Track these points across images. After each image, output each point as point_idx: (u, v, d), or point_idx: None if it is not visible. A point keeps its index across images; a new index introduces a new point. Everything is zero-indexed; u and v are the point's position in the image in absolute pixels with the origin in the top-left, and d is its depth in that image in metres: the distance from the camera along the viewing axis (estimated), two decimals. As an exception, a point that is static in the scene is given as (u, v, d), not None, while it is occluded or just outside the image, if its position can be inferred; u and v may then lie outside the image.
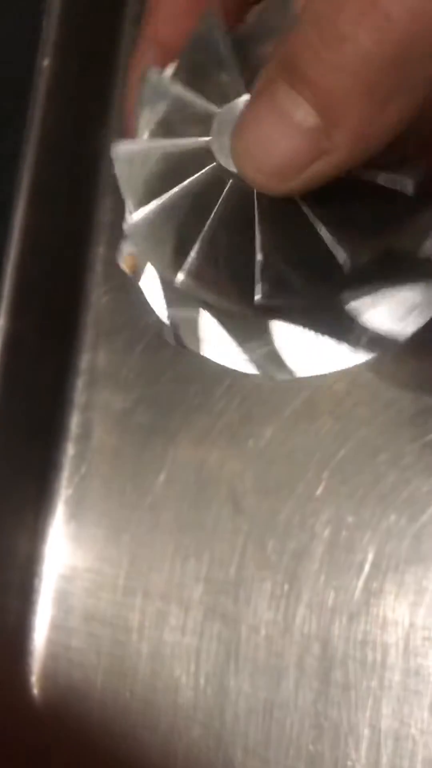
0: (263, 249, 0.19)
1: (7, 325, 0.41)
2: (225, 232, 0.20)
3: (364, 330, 0.22)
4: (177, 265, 0.20)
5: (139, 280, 0.24)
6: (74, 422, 0.43)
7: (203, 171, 0.20)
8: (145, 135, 0.21)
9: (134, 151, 0.21)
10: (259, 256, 0.19)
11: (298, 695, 0.36)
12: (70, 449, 0.43)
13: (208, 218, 0.20)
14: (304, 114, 0.17)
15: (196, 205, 0.20)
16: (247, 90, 0.20)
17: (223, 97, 0.20)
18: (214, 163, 0.20)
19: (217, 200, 0.20)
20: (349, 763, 0.35)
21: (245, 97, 0.20)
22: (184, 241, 0.20)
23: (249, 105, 0.18)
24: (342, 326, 0.22)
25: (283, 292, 0.19)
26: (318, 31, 0.16)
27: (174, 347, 0.24)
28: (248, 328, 0.22)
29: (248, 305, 0.20)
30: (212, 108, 0.20)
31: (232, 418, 0.39)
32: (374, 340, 0.22)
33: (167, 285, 0.23)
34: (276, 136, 0.17)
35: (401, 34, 0.15)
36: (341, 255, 0.19)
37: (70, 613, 0.41)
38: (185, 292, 0.21)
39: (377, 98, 0.16)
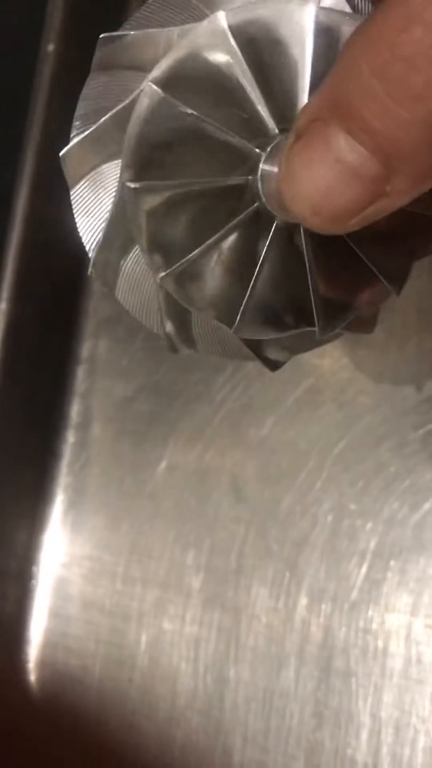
0: (315, 288, 0.20)
1: (9, 313, 0.41)
2: (272, 273, 0.20)
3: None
4: (229, 316, 0.20)
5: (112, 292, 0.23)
6: (74, 410, 0.43)
7: (242, 217, 0.19)
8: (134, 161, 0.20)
9: (156, 197, 0.20)
10: (313, 297, 0.20)
11: (299, 684, 0.36)
12: (70, 437, 0.42)
13: (256, 261, 0.20)
14: (362, 160, 0.17)
15: (240, 248, 0.20)
16: (278, 126, 0.19)
17: (243, 127, 0.19)
18: (255, 205, 0.19)
19: (265, 240, 0.19)
20: (350, 751, 0.35)
21: (282, 139, 0.19)
22: (227, 289, 0.20)
23: (296, 149, 0.18)
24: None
25: (334, 326, 0.20)
26: (386, 86, 0.16)
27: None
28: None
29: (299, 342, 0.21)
30: (231, 140, 0.19)
31: (233, 406, 0.39)
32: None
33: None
34: (335, 183, 0.17)
35: None
36: (391, 288, 0.20)
37: (68, 601, 0.41)
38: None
39: None
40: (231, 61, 0.19)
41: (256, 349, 0.23)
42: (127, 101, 0.20)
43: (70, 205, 0.44)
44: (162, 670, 0.39)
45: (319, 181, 0.17)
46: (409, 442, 0.35)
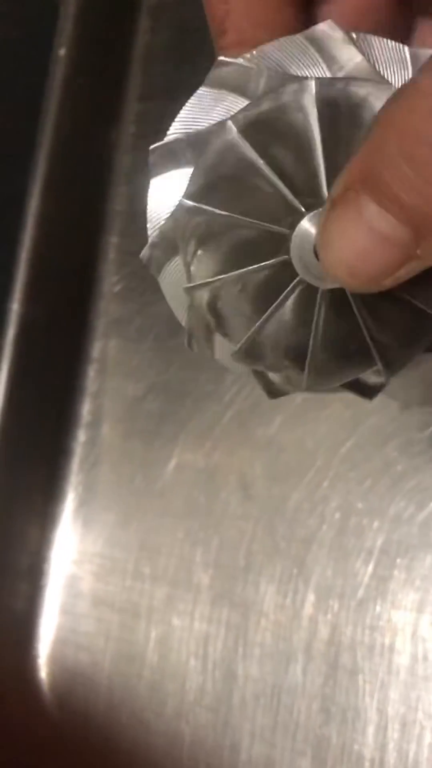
0: (314, 346, 0.21)
1: (21, 313, 0.41)
2: (279, 323, 0.22)
3: None
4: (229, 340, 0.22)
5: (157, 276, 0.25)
6: (85, 409, 0.43)
7: (273, 261, 0.21)
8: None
9: (206, 212, 0.21)
10: (311, 353, 0.21)
11: (306, 680, 0.36)
12: (81, 436, 0.43)
13: (266, 306, 0.21)
14: (393, 228, 0.18)
15: (256, 289, 0.21)
16: (299, 200, 0.21)
17: (269, 213, 0.21)
18: (285, 258, 0.21)
19: (280, 291, 0.21)
20: (357, 747, 0.35)
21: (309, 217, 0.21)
22: (241, 317, 0.22)
23: (332, 217, 0.19)
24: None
25: (320, 382, 0.22)
26: (413, 167, 0.18)
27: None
28: None
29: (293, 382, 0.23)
30: (289, 198, 0.21)
31: (242, 405, 0.39)
32: None
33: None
34: (369, 247, 0.19)
35: None
36: (379, 364, 0.22)
37: (79, 598, 0.42)
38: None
39: None
40: (310, 127, 0.21)
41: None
42: (205, 129, 0.22)
43: (81, 207, 0.44)
44: (171, 667, 0.39)
45: (355, 246, 0.19)
46: (415, 442, 0.36)
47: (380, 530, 0.36)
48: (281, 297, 0.21)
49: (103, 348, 0.43)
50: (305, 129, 0.21)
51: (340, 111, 0.21)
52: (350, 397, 0.37)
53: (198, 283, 0.22)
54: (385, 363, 0.22)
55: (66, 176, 0.43)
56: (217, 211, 0.21)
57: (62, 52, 0.41)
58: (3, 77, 0.42)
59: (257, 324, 0.21)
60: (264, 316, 0.21)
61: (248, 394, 0.39)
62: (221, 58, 0.22)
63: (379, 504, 0.36)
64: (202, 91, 0.23)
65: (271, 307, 0.21)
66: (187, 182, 0.22)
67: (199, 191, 0.22)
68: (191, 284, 0.22)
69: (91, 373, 0.43)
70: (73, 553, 0.42)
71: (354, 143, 0.20)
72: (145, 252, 0.24)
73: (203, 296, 0.22)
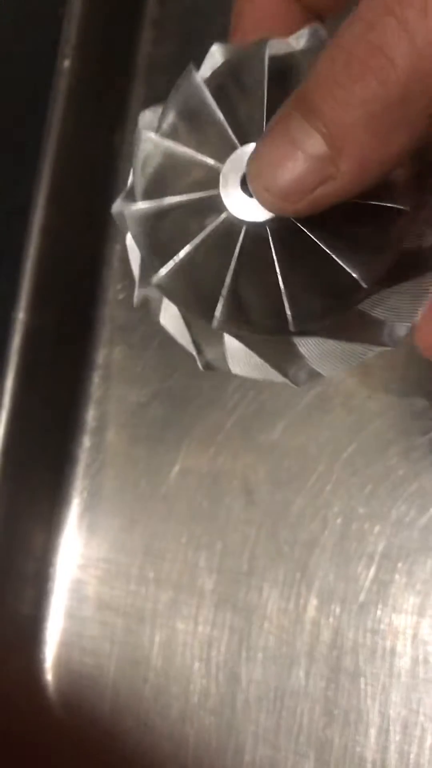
0: (286, 284, 0.21)
1: (27, 321, 0.42)
2: (246, 275, 0.22)
3: (382, 327, 0.23)
4: (208, 312, 0.22)
5: (157, 319, 0.26)
6: (90, 415, 0.44)
7: (217, 222, 0.22)
8: (140, 191, 0.23)
9: (145, 210, 0.23)
10: (283, 290, 0.21)
11: (309, 683, 0.37)
12: (86, 442, 0.44)
13: (228, 265, 0.22)
14: (313, 143, 0.19)
15: (214, 254, 0.22)
16: (240, 142, 0.22)
17: (216, 150, 0.22)
18: (225, 214, 0.22)
19: (235, 247, 0.22)
20: (359, 749, 0.35)
21: (243, 148, 0.22)
22: (209, 288, 0.22)
23: (265, 134, 0.20)
24: (364, 331, 0.23)
25: (308, 318, 0.22)
26: (333, 73, 0.19)
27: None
28: (279, 351, 0.24)
29: (281, 332, 0.22)
30: (207, 161, 0.22)
31: (245, 411, 0.40)
32: (392, 335, 0.23)
33: (192, 323, 0.25)
34: (286, 161, 0.19)
35: (402, 76, 0.18)
36: (356, 276, 0.21)
37: (84, 602, 0.42)
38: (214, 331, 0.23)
39: (381, 131, 0.19)
40: (204, 105, 0.22)
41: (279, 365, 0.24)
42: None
43: (85, 216, 0.45)
44: (175, 670, 0.39)
45: (274, 160, 0.19)
46: (416, 447, 0.36)
47: (382, 535, 0.36)
48: (206, 230, 0.22)
49: (108, 355, 0.44)
50: (258, 84, 0.22)
51: (288, 70, 0.22)
52: (352, 403, 0.38)
53: (162, 273, 0.22)
54: (356, 268, 0.21)
55: (70, 186, 0.43)
56: (156, 202, 0.22)
57: (66, 63, 0.42)
58: (7, 89, 0.43)
59: (225, 286, 0.22)
60: (189, 246, 0.22)
61: (251, 400, 0.40)
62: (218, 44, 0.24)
63: (380, 509, 0.36)
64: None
65: (197, 238, 0.22)
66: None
67: (143, 197, 0.23)
68: (157, 277, 0.22)
69: (96, 379, 0.44)
70: (79, 558, 0.43)
71: (246, 98, 0.22)
72: (137, 299, 0.25)
73: (168, 281, 0.22)
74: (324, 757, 0.36)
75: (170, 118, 0.23)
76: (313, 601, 0.37)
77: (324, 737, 0.36)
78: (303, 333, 0.22)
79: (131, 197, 0.23)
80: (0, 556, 0.42)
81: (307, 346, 0.24)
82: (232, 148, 0.22)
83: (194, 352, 0.25)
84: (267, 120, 0.21)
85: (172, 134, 0.22)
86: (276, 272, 0.21)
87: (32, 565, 0.43)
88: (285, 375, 0.25)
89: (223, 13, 0.44)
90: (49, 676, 0.42)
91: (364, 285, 0.21)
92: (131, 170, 0.24)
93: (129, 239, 0.25)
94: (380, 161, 0.19)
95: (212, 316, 0.22)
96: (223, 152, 0.22)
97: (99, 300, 0.44)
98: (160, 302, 0.26)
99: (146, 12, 0.45)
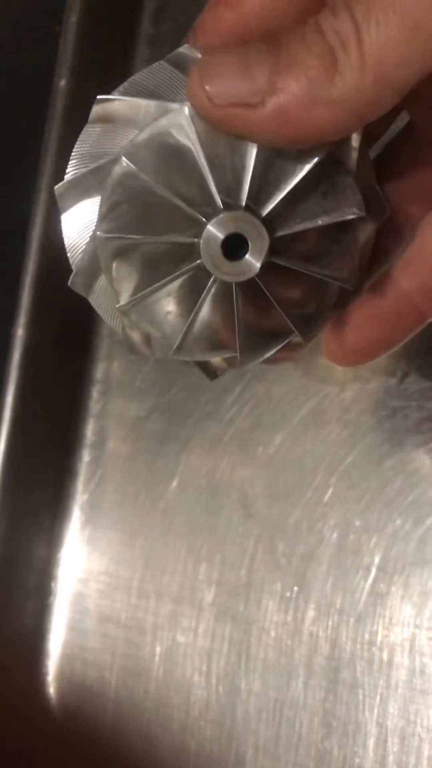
0: (240, 329, 0.24)
1: (26, 336, 0.42)
2: (205, 318, 0.24)
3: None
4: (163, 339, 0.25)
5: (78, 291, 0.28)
6: (90, 429, 0.44)
7: (190, 267, 0.24)
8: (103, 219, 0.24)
9: (119, 243, 0.24)
10: (238, 337, 0.24)
11: (308, 694, 0.37)
12: (85, 456, 0.44)
13: (192, 307, 0.24)
14: (260, 70, 0.21)
15: (179, 293, 0.24)
16: (197, 210, 0.23)
17: (193, 197, 0.23)
18: (198, 262, 0.23)
19: (200, 292, 0.24)
20: (357, 760, 0.36)
21: (228, 212, 0.23)
22: (170, 321, 0.25)
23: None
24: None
25: (251, 358, 0.25)
26: (300, 35, 0.21)
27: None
28: None
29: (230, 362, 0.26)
30: (189, 212, 0.23)
31: (242, 425, 0.40)
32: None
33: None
34: (232, 69, 0.21)
35: (353, 70, 0.20)
36: (298, 335, 0.25)
37: (85, 615, 0.42)
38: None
39: (306, 102, 0.21)
40: (190, 145, 0.23)
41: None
42: (104, 161, 0.24)
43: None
44: (176, 682, 0.40)
45: (223, 61, 0.21)
46: (411, 460, 0.36)
47: (378, 547, 0.37)
48: (202, 296, 0.24)
49: (107, 370, 0.44)
50: (188, 147, 0.23)
51: (213, 130, 0.23)
52: (348, 417, 0.38)
53: (127, 301, 0.24)
54: (301, 330, 0.24)
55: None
56: (128, 236, 0.23)
57: (62, 83, 0.42)
58: (4, 108, 0.43)
59: (186, 325, 0.24)
60: (191, 317, 0.24)
61: (248, 414, 0.40)
62: (99, 96, 0.25)
63: (376, 521, 0.37)
64: (89, 128, 0.25)
65: (196, 307, 0.24)
66: (97, 214, 0.25)
67: (108, 221, 0.24)
68: (121, 304, 0.24)
69: (95, 394, 0.44)
70: (80, 572, 0.43)
71: (233, 153, 0.23)
72: (72, 280, 0.26)
73: (134, 310, 0.24)
74: (323, 767, 0.36)
75: (148, 140, 0.23)
76: (311, 613, 0.37)
77: (323, 748, 0.36)
78: (243, 366, 0.26)
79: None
80: (2, 569, 0.42)
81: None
82: (212, 203, 0.23)
83: (120, 332, 0.27)
84: (216, 187, 0.23)
85: (147, 159, 0.23)
86: (233, 319, 0.24)
87: (34, 578, 0.43)
88: (204, 369, 0.28)
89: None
90: (51, 688, 0.43)
91: (303, 340, 0.25)
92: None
93: (68, 218, 0.26)
94: (295, 127, 0.21)
95: (172, 345, 0.25)
96: (198, 200, 0.23)
97: (97, 315, 0.45)
98: (92, 283, 0.27)
99: (141, 30, 0.45)
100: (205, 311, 0.24)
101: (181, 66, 0.24)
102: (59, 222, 0.26)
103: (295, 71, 0.20)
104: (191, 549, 0.40)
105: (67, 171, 0.26)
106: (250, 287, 0.23)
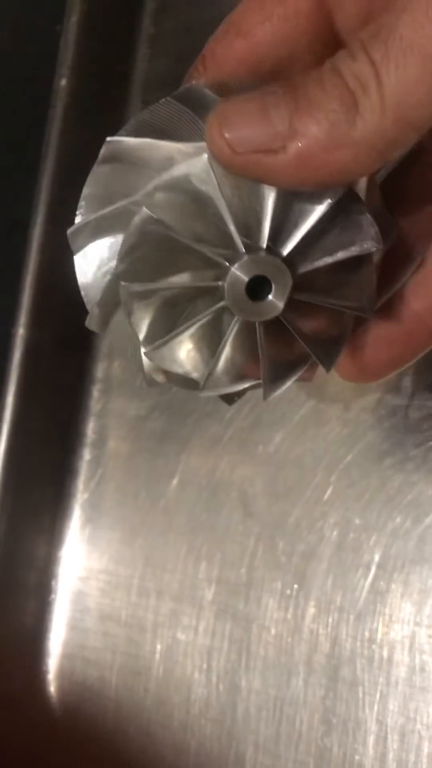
0: (264, 365, 0.24)
1: (26, 338, 0.42)
2: (229, 356, 0.25)
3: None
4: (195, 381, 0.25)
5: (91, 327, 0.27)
6: (90, 428, 0.44)
7: (215, 309, 0.24)
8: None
9: (143, 289, 0.24)
10: (262, 372, 0.24)
11: (308, 692, 0.37)
12: (86, 454, 0.44)
13: (216, 347, 0.24)
14: (280, 114, 0.21)
15: (203, 334, 0.25)
16: (219, 254, 0.23)
17: (216, 238, 0.23)
18: (221, 304, 0.24)
19: (224, 332, 0.24)
20: (357, 757, 0.36)
21: (250, 255, 0.23)
22: (195, 360, 0.25)
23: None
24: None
25: (276, 389, 0.26)
26: (322, 83, 0.21)
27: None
28: None
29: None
30: (213, 257, 0.23)
31: (242, 424, 0.40)
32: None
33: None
34: (251, 115, 0.21)
35: (370, 114, 0.20)
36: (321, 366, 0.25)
37: (86, 614, 0.43)
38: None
39: (330, 147, 0.21)
40: (210, 191, 0.23)
41: None
42: (119, 205, 0.24)
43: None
44: (176, 680, 0.40)
45: (242, 108, 0.22)
46: (411, 458, 0.37)
47: (378, 545, 0.37)
48: (226, 335, 0.24)
49: (107, 369, 0.44)
50: (207, 194, 0.23)
51: (233, 177, 0.23)
52: (347, 415, 0.38)
53: (151, 346, 0.24)
54: (322, 360, 0.25)
55: (69, 202, 0.43)
56: (150, 283, 0.24)
57: (62, 82, 0.42)
58: (5, 108, 0.43)
59: (211, 365, 0.25)
60: (216, 356, 0.24)
61: (248, 413, 0.40)
62: (109, 138, 0.25)
63: (376, 519, 0.37)
64: (98, 169, 0.25)
65: (220, 346, 0.24)
66: (116, 261, 0.25)
67: (127, 264, 0.24)
68: (145, 350, 0.25)
69: (96, 393, 0.45)
70: (80, 570, 0.43)
71: (253, 196, 0.23)
72: (88, 319, 0.26)
73: (157, 353, 0.25)
74: (323, 765, 0.36)
75: (170, 184, 0.24)
76: (311, 611, 0.37)
77: (323, 745, 0.36)
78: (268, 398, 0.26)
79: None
80: (2, 568, 0.42)
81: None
82: (234, 247, 0.23)
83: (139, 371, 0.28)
84: (237, 231, 0.23)
85: (169, 205, 0.24)
86: (257, 355, 0.24)
87: (34, 577, 0.43)
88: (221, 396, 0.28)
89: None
90: (51, 687, 0.43)
91: (326, 370, 0.25)
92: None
93: (81, 259, 0.27)
94: (317, 170, 0.21)
95: (197, 385, 0.25)
96: (220, 243, 0.23)
97: (98, 314, 0.45)
98: (108, 316, 0.27)
99: (141, 29, 0.45)
100: (228, 349, 0.24)
101: (189, 102, 0.24)
102: (71, 262, 0.27)
103: (316, 114, 0.20)
104: (191, 547, 0.40)
105: (77, 212, 0.26)
106: (273, 323, 0.24)
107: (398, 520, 0.36)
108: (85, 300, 0.26)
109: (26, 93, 0.44)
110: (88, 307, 0.26)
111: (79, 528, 0.43)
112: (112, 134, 0.46)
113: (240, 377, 0.25)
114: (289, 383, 0.26)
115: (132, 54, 0.45)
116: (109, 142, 0.25)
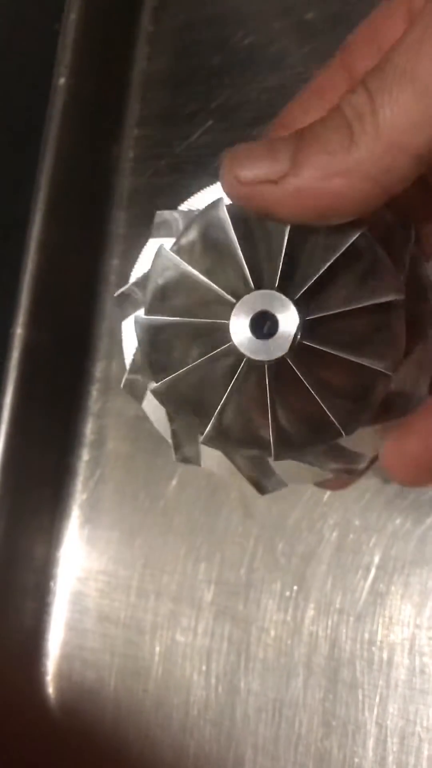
0: (273, 417, 0.23)
1: (25, 336, 0.42)
2: (237, 401, 0.23)
3: (351, 456, 0.26)
4: (196, 421, 0.24)
5: (141, 403, 0.27)
6: (89, 429, 0.44)
7: (220, 350, 0.23)
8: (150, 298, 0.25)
9: (154, 321, 0.24)
10: (270, 423, 0.23)
11: (307, 694, 0.37)
12: (85, 455, 0.44)
13: (223, 388, 0.23)
14: (283, 154, 0.22)
15: (211, 376, 0.23)
16: (254, 282, 0.23)
17: (227, 281, 0.23)
18: (229, 345, 0.23)
19: (232, 375, 0.23)
20: (357, 759, 0.36)
21: (256, 292, 0.23)
22: (201, 403, 0.24)
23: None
24: (335, 459, 0.25)
25: (287, 449, 0.23)
26: (324, 129, 0.21)
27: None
28: (254, 463, 0.27)
29: (261, 454, 0.24)
30: (217, 290, 0.23)
31: (242, 424, 0.40)
32: (357, 462, 0.26)
33: (175, 420, 0.26)
34: (258, 154, 0.22)
35: (366, 153, 0.21)
36: (337, 423, 0.23)
37: (84, 615, 0.42)
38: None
39: (327, 184, 0.21)
40: (226, 232, 0.23)
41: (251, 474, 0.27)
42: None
43: (82, 231, 0.45)
44: (175, 681, 0.40)
45: (252, 151, 0.22)
46: (411, 459, 0.36)
47: (377, 546, 0.37)
48: (234, 379, 0.23)
49: (106, 368, 0.44)
50: (223, 236, 0.23)
51: (249, 219, 0.23)
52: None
53: (161, 382, 0.23)
54: (340, 421, 0.23)
55: (67, 201, 0.43)
56: (162, 317, 0.24)
57: (62, 81, 0.42)
58: (4, 106, 0.43)
59: (218, 409, 0.23)
60: (222, 401, 0.23)
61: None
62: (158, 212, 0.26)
63: (376, 521, 0.37)
64: (151, 241, 0.26)
65: (227, 390, 0.23)
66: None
67: (147, 305, 0.24)
68: (156, 384, 0.24)
69: (95, 393, 0.44)
70: (79, 571, 0.43)
71: (268, 237, 0.23)
72: (123, 382, 0.26)
73: (167, 392, 0.24)
74: (323, 767, 0.36)
75: (191, 236, 0.24)
76: (311, 613, 0.37)
77: (323, 748, 0.36)
78: (279, 458, 0.24)
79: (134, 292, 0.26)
80: (1, 569, 0.42)
81: (281, 466, 0.26)
82: (245, 286, 0.23)
83: (172, 446, 0.27)
84: (250, 272, 0.23)
85: (189, 252, 0.24)
86: (267, 405, 0.23)
87: (33, 578, 0.43)
88: (254, 484, 0.27)
89: (216, 28, 0.44)
90: (50, 688, 0.43)
91: (343, 432, 0.23)
92: (134, 267, 0.26)
93: (126, 324, 0.27)
94: (315, 199, 0.21)
95: (199, 423, 0.24)
96: (234, 284, 0.23)
97: (96, 314, 0.45)
98: (144, 389, 0.27)
99: (141, 28, 0.45)
100: (237, 395, 0.23)
101: None
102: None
103: (315, 147, 0.21)
104: (190, 548, 0.40)
105: (128, 283, 0.26)
106: (283, 371, 0.22)
107: (398, 521, 0.36)
108: (128, 366, 0.27)
109: (25, 92, 0.43)
110: (128, 370, 0.26)
111: (77, 528, 0.43)
112: (111, 134, 0.46)
113: (250, 433, 0.24)
114: (304, 449, 0.24)
115: (131, 52, 0.45)
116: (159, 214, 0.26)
